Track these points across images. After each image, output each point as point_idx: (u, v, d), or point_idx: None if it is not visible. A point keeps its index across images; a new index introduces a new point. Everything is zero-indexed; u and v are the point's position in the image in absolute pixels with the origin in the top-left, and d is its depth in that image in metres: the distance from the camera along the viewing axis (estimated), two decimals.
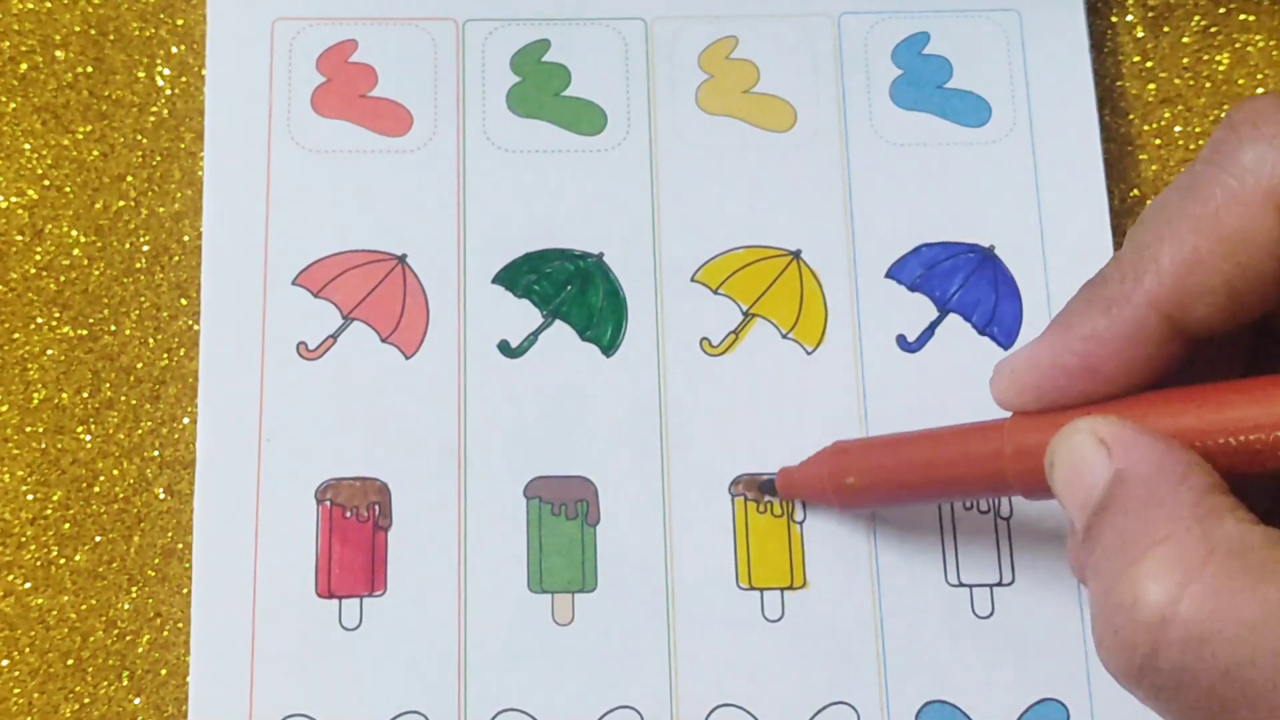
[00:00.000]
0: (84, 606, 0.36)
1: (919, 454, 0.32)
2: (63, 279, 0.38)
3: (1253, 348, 0.30)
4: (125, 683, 0.36)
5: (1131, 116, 0.41)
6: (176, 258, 0.38)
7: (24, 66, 0.40)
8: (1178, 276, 0.27)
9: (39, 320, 0.38)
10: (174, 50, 0.40)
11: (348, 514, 0.35)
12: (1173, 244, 0.27)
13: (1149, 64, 0.41)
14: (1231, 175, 0.26)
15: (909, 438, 0.33)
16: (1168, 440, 0.26)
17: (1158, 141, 0.41)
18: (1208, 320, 0.27)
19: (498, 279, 0.37)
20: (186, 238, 0.38)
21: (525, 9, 0.39)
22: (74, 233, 0.38)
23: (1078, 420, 0.27)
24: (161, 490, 0.37)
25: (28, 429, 0.37)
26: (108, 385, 0.37)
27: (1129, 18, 0.41)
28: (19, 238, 0.38)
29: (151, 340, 0.38)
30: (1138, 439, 0.26)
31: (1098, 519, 0.26)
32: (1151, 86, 0.41)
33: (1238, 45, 0.41)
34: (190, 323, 0.38)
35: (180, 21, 0.40)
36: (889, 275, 0.38)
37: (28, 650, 0.36)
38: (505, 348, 0.37)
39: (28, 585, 0.36)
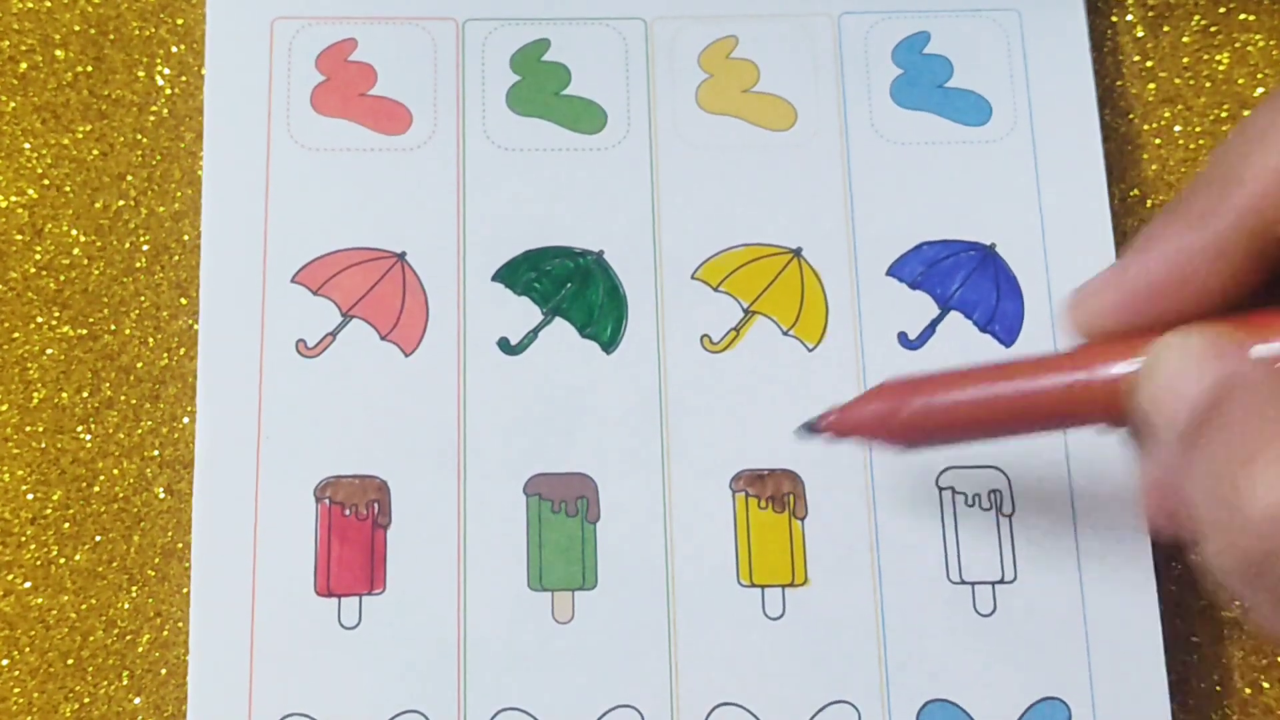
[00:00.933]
0: (84, 606, 0.36)
1: (988, 382, 0.30)
2: (63, 279, 0.38)
3: None
4: (125, 682, 0.35)
5: (1131, 116, 0.41)
6: (176, 257, 0.38)
7: (24, 66, 0.40)
8: (1267, 187, 0.26)
9: (39, 320, 0.38)
10: (174, 50, 0.40)
11: (347, 512, 0.35)
12: (1261, 155, 0.26)
13: (1149, 64, 0.41)
14: None
15: (972, 370, 0.30)
16: (1274, 349, 0.26)
17: (1158, 141, 0.41)
18: None
19: (497, 276, 0.37)
20: (186, 237, 0.38)
21: (525, 9, 0.39)
22: (74, 232, 0.38)
23: (1180, 329, 0.27)
24: (161, 490, 0.37)
25: (28, 429, 0.37)
26: (108, 385, 0.37)
27: (1129, 18, 0.41)
28: (19, 237, 0.38)
29: (151, 340, 0.38)
30: (1244, 348, 0.26)
31: (1202, 426, 0.25)
32: (1151, 86, 0.41)
33: (1238, 45, 0.41)
34: (190, 322, 0.38)
35: (180, 21, 0.40)
36: (890, 273, 0.38)
37: (28, 650, 0.36)
38: (505, 345, 0.37)
39: (28, 585, 0.36)
